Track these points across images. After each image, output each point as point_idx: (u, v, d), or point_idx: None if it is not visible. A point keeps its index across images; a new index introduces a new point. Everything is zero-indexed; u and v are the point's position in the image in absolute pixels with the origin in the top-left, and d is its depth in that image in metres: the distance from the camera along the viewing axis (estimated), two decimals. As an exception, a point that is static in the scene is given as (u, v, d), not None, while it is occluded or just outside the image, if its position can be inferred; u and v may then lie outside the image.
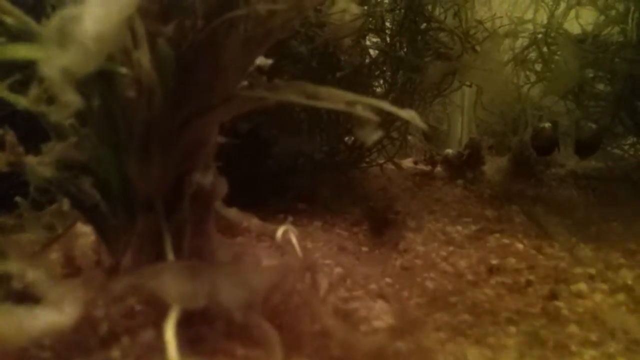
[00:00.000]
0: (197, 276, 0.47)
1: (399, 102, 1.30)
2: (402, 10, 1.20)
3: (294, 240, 0.71)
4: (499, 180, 1.38)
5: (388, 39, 1.23)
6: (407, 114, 0.54)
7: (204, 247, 0.53)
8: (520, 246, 0.96)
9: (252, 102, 0.53)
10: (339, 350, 0.50)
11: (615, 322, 0.66)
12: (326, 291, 0.62)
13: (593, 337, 0.61)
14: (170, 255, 0.51)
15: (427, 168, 1.49)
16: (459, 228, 1.08)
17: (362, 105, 0.52)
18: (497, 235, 1.02)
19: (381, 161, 1.42)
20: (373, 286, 0.72)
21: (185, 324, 0.46)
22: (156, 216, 0.51)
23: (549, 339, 0.60)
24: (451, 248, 0.93)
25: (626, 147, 1.30)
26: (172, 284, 0.45)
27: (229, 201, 0.90)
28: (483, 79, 1.36)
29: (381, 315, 0.61)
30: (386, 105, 0.53)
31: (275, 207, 1.10)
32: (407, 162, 1.60)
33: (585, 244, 0.96)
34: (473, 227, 1.09)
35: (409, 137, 1.50)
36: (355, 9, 1.07)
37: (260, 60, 0.70)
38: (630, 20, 1.13)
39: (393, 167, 1.46)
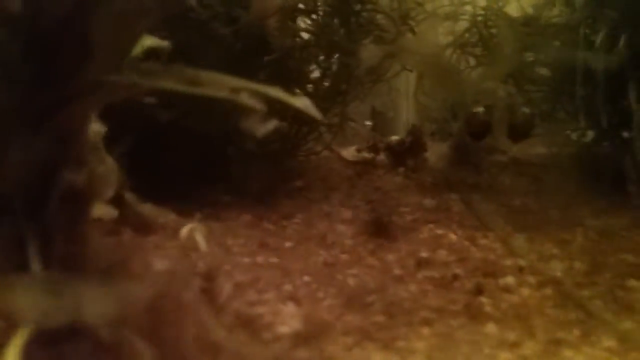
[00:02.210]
0: (59, 289, 0.41)
1: (334, 87, 1.25)
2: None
3: (200, 239, 0.66)
4: (441, 167, 1.35)
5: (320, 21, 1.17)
6: (301, 102, 0.49)
7: (78, 254, 0.47)
8: (453, 237, 0.93)
9: (124, 89, 0.47)
10: (228, 364, 0.45)
11: (538, 319, 0.63)
12: (229, 296, 0.56)
13: (511, 337, 0.58)
14: (35, 264, 0.45)
15: (370, 156, 1.45)
16: (395, 218, 1.04)
17: (251, 92, 0.47)
18: (432, 225, 0.99)
19: (324, 149, 1.37)
20: (288, 287, 0.67)
21: (47, 343, 0.41)
22: (17, 220, 0.45)
23: (462, 341, 0.56)
24: (381, 241, 0.89)
25: (568, 133, 1.28)
26: (27, 299, 0.39)
27: (150, 195, 0.84)
28: (422, 63, 1.32)
29: (288, 320, 0.57)
30: (276, 92, 0.48)
31: (202, 200, 1.05)
32: (351, 150, 1.55)
33: (519, 233, 0.93)
34: (408, 218, 1.05)
35: (353, 124, 1.46)
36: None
37: (156, 42, 0.64)
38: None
39: (337, 155, 1.41)
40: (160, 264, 0.54)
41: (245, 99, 0.46)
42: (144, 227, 0.84)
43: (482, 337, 0.57)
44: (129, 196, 0.83)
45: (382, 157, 1.44)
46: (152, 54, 0.62)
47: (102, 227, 0.81)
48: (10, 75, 0.44)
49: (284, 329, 0.54)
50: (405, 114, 1.82)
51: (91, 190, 0.50)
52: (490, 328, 0.60)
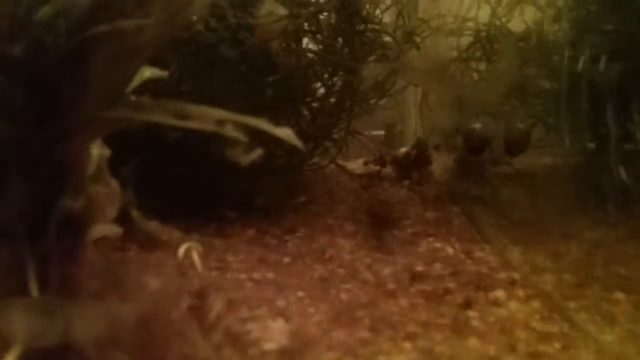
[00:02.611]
0: (51, 311, 0.45)
1: (339, 105, 1.29)
2: (335, 12, 1.17)
3: (196, 258, 0.69)
4: (445, 180, 1.37)
5: (323, 42, 1.21)
6: (283, 132, 0.52)
7: (73, 277, 0.51)
8: (450, 250, 0.95)
9: (118, 123, 0.51)
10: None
11: (522, 333, 0.65)
12: (219, 313, 0.60)
13: (491, 351, 0.60)
14: (34, 287, 0.49)
15: (376, 169, 1.48)
16: (396, 232, 1.07)
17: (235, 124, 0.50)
18: (431, 239, 1.01)
19: (328, 164, 1.40)
20: (281, 302, 0.70)
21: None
22: (18, 245, 0.49)
23: (442, 355, 0.58)
24: (379, 255, 0.92)
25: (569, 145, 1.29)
26: (20, 320, 0.43)
27: (159, 212, 0.88)
28: (425, 79, 1.34)
29: (275, 336, 0.60)
30: (259, 123, 0.51)
31: (209, 217, 1.08)
32: (358, 163, 1.58)
33: (516, 246, 0.95)
34: (409, 231, 1.07)
35: (361, 137, 1.48)
36: (281, 10, 1.05)
37: (154, 73, 0.68)
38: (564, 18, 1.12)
39: (342, 169, 1.44)
40: (153, 283, 0.58)
41: (230, 130, 0.50)
42: (149, 244, 0.88)
43: (463, 351, 0.60)
44: (135, 214, 0.87)
45: (388, 169, 1.47)
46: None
47: (109, 244, 0.86)
48: (13, 113, 0.49)
49: (270, 345, 0.57)
50: (414, 128, 1.84)
51: (89, 215, 0.54)
52: (473, 342, 0.62)
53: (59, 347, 0.44)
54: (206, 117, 0.50)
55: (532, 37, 1.18)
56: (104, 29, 0.49)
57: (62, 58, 0.49)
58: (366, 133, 1.67)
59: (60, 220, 0.51)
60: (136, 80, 0.61)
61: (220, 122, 0.50)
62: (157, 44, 0.53)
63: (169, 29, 0.53)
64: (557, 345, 0.62)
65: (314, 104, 1.28)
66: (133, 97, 0.56)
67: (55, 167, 0.50)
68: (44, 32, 0.49)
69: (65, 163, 0.51)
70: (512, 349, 0.61)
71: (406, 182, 1.37)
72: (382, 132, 1.81)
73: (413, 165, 1.41)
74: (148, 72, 0.65)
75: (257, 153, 0.52)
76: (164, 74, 0.68)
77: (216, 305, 0.60)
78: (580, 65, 0.98)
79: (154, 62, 1.11)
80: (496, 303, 0.74)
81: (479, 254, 0.93)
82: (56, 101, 0.49)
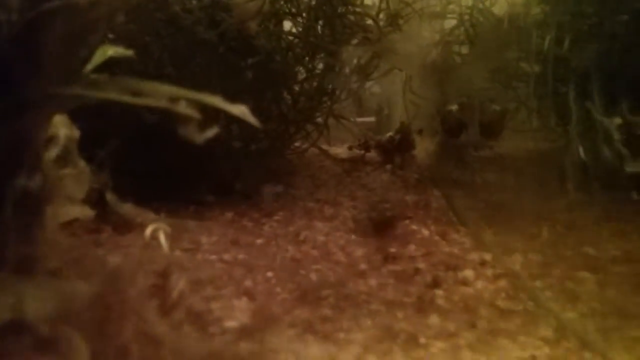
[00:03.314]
0: (3, 287, 0.45)
1: (320, 88, 1.28)
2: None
3: (162, 238, 0.69)
4: (427, 164, 1.37)
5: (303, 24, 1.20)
6: (238, 109, 0.52)
7: (30, 255, 0.51)
8: (426, 232, 0.95)
9: (71, 100, 0.51)
10: (168, 358, 0.49)
11: (485, 310, 0.65)
12: (183, 293, 0.60)
13: (451, 327, 0.60)
14: (-11, 265, 0.49)
15: (360, 153, 1.48)
16: (374, 214, 1.07)
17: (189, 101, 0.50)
18: (407, 221, 1.01)
19: (310, 148, 1.40)
20: (248, 282, 0.71)
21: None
22: (-27, 224, 0.49)
23: (402, 331, 0.59)
24: (353, 236, 0.92)
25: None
26: (-29, 296, 0.43)
27: (138, 195, 0.88)
28: (408, 62, 1.34)
29: (237, 315, 0.60)
30: (213, 100, 0.51)
31: (188, 199, 1.09)
32: (343, 148, 1.58)
33: (490, 227, 0.95)
34: (388, 214, 1.07)
35: (345, 122, 1.48)
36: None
37: (117, 51, 0.68)
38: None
39: (325, 153, 1.45)
40: (113, 262, 0.58)
41: (182, 107, 0.50)
42: (123, 226, 0.89)
43: (423, 328, 0.60)
44: (110, 196, 0.88)
45: (373, 154, 1.48)
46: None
47: (83, 226, 0.86)
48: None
49: (231, 323, 0.58)
50: (402, 112, 1.84)
51: (47, 195, 0.54)
52: (433, 319, 0.62)
53: (9, 323, 0.44)
54: (159, 93, 0.50)
55: (514, 20, 1.17)
56: (57, 5, 0.49)
57: (14, 35, 0.49)
58: (356, 119, 1.67)
59: (16, 199, 0.51)
60: (98, 58, 0.61)
61: (173, 99, 0.50)
62: (111, 19, 0.53)
63: (124, 3, 0.53)
64: (518, 322, 0.63)
65: (295, 87, 1.28)
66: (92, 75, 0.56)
67: (8, 145, 0.50)
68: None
69: (19, 140, 0.51)
70: (472, 325, 0.61)
71: (389, 167, 1.37)
72: (372, 119, 1.81)
73: (396, 150, 1.41)
74: (111, 51, 0.65)
75: (212, 131, 0.52)
76: (129, 52, 0.68)
77: (179, 284, 0.60)
78: (552, 47, 0.98)
79: (131, 44, 1.11)
80: (464, 282, 0.74)
81: (453, 235, 0.94)
82: (8, 77, 0.49)
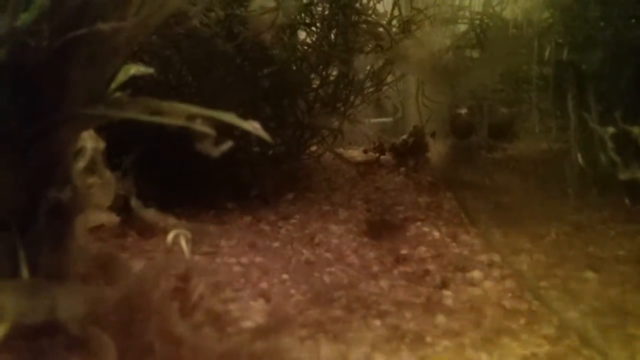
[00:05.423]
0: (38, 292, 0.49)
1: (334, 94, 1.32)
2: (328, 4, 1.21)
3: (183, 243, 0.73)
4: (440, 166, 1.40)
5: (317, 34, 1.24)
6: (250, 125, 0.56)
7: (63, 262, 0.56)
8: (437, 234, 0.98)
9: (98, 119, 0.55)
10: (188, 356, 0.53)
11: (491, 310, 0.68)
12: (202, 295, 0.64)
13: (457, 327, 0.63)
14: (25, 272, 0.53)
15: (375, 156, 1.51)
16: (387, 217, 1.10)
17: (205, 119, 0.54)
18: (419, 223, 1.04)
19: (326, 152, 1.44)
20: (263, 284, 0.74)
21: (30, 338, 0.49)
22: (10, 234, 0.54)
23: (409, 331, 0.62)
24: (366, 239, 0.96)
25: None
26: (9, 299, 0.48)
27: (162, 201, 0.93)
28: (420, 67, 1.37)
29: (253, 316, 0.64)
30: (228, 117, 0.55)
31: (209, 204, 1.13)
32: (358, 152, 1.62)
33: (499, 228, 0.98)
34: (400, 216, 1.11)
35: (360, 125, 1.52)
36: (271, 2, 1.09)
37: (139, 70, 0.72)
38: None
39: (339, 157, 1.48)
40: (138, 267, 0.62)
41: (199, 125, 0.53)
42: (147, 231, 0.93)
43: (430, 328, 0.64)
44: (134, 202, 0.92)
45: (387, 157, 1.51)
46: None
47: (110, 231, 0.91)
48: (0, 112, 0.53)
49: (247, 324, 0.61)
50: (415, 115, 1.87)
51: (77, 205, 0.58)
52: (440, 319, 0.66)
53: (45, 324, 0.48)
54: (177, 112, 0.54)
55: (524, 25, 1.20)
56: (83, 32, 0.53)
57: (45, 60, 0.54)
58: (372, 120, 1.70)
59: (49, 210, 0.55)
60: (121, 77, 0.65)
61: (190, 117, 0.54)
62: (133, 44, 0.57)
63: (143, 30, 0.57)
64: (522, 321, 0.66)
65: (310, 95, 1.31)
66: (117, 95, 0.60)
67: (41, 161, 0.54)
68: (28, 36, 0.53)
69: (51, 157, 0.55)
70: (477, 325, 0.64)
71: (403, 169, 1.40)
72: (390, 119, 1.84)
73: (410, 153, 1.44)
74: (133, 70, 0.69)
75: (227, 145, 0.56)
76: (149, 70, 0.72)
77: (199, 287, 0.64)
78: (565, 54, 1.00)
79: (153, 57, 1.16)
80: (472, 283, 0.77)
81: (463, 237, 0.96)
82: (40, 100, 0.54)
